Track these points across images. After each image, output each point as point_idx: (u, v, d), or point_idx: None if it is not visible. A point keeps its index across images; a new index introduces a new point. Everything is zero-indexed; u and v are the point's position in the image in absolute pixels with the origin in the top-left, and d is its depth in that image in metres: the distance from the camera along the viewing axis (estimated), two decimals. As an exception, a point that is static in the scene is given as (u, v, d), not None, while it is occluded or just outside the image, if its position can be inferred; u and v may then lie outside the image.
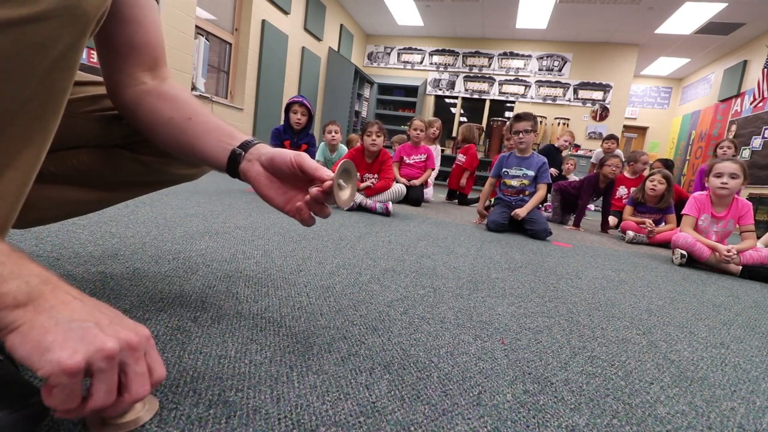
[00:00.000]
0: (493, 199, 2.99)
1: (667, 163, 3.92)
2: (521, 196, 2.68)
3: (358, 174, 2.90)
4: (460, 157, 4.33)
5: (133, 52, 0.59)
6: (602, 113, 7.50)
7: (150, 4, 0.60)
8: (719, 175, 2.19)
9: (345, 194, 0.55)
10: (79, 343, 0.33)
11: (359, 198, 2.67)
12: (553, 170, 4.02)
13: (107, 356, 0.34)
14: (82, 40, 0.38)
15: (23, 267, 0.34)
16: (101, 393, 0.35)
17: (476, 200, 3.74)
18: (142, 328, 0.39)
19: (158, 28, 0.62)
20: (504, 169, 2.73)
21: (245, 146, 0.58)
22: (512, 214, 2.52)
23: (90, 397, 0.35)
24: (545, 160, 2.66)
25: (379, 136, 2.80)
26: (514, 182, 2.69)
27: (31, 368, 0.32)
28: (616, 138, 4.69)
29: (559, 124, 7.61)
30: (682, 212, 2.34)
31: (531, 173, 2.64)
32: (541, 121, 7.57)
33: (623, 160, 3.65)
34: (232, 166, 0.57)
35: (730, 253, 2.04)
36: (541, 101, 7.76)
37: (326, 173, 0.55)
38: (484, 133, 7.37)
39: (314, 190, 0.55)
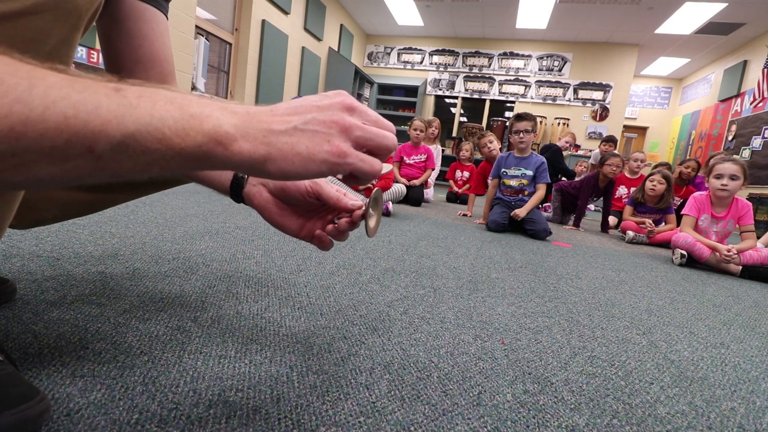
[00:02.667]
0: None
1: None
2: (520, 196, 2.68)
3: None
4: (466, 186, 4.41)
5: (138, 67, 0.58)
6: (602, 113, 7.50)
7: (157, 18, 0.59)
8: (719, 177, 2.18)
9: (372, 223, 0.52)
10: (323, 135, 0.32)
11: (359, 198, 2.66)
12: (564, 180, 3.99)
13: (346, 127, 0.33)
14: (74, 34, 0.38)
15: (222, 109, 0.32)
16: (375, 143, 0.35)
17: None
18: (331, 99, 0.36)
19: (166, 42, 0.60)
20: (503, 170, 2.73)
21: None
22: (512, 214, 2.52)
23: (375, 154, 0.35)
24: (544, 159, 2.66)
25: None
26: (513, 182, 2.69)
27: (307, 177, 0.32)
28: (615, 140, 4.66)
29: (559, 124, 7.61)
30: (682, 212, 2.34)
31: (530, 173, 2.64)
32: (541, 121, 7.57)
33: (624, 159, 3.65)
34: (236, 190, 0.55)
35: (730, 253, 2.04)
36: (541, 101, 7.76)
37: (350, 203, 0.52)
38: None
39: (343, 222, 0.52)
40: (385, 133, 0.35)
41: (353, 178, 0.36)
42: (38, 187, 0.26)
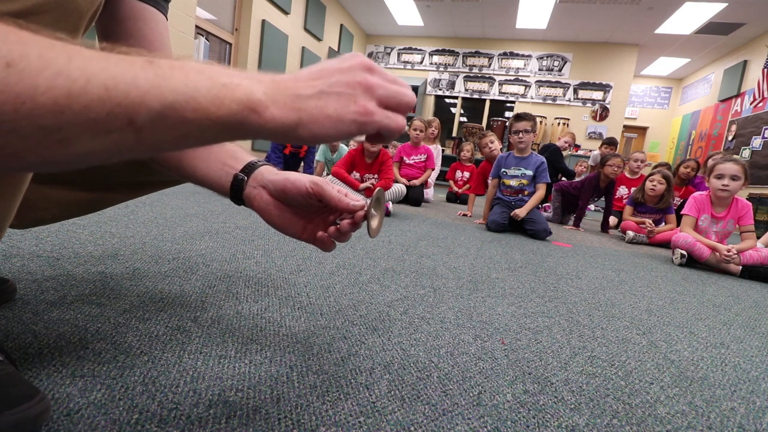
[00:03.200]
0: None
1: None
2: (520, 196, 2.68)
3: (359, 174, 2.90)
4: (466, 186, 4.45)
5: None
6: (602, 113, 7.50)
7: (157, 18, 0.58)
8: (720, 177, 2.18)
9: (375, 223, 0.51)
10: (348, 96, 0.33)
11: (360, 198, 2.67)
12: (564, 180, 4.00)
13: (369, 87, 0.34)
14: (75, 35, 0.38)
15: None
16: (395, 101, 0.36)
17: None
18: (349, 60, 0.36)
19: (166, 43, 0.60)
20: (503, 170, 2.73)
21: (248, 170, 0.55)
22: (512, 214, 2.52)
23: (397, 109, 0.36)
24: (544, 159, 2.66)
25: None
26: (513, 182, 2.69)
27: (337, 139, 0.33)
28: (615, 143, 4.58)
29: (559, 124, 7.61)
30: (682, 212, 2.34)
31: (530, 173, 2.64)
32: (541, 121, 7.56)
33: (624, 159, 3.64)
34: (236, 192, 0.55)
35: (730, 253, 2.04)
36: (541, 101, 7.76)
37: (352, 203, 0.52)
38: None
39: (345, 223, 0.52)
40: (405, 90, 0.36)
41: (378, 137, 0.36)
42: (78, 164, 0.26)
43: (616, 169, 3.25)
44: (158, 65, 0.26)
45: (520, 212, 2.50)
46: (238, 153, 0.57)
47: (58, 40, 0.23)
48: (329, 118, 0.32)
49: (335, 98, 0.32)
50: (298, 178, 0.53)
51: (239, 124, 0.29)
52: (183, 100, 0.26)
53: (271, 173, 0.55)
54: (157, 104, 0.25)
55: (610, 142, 4.59)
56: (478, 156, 4.67)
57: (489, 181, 2.89)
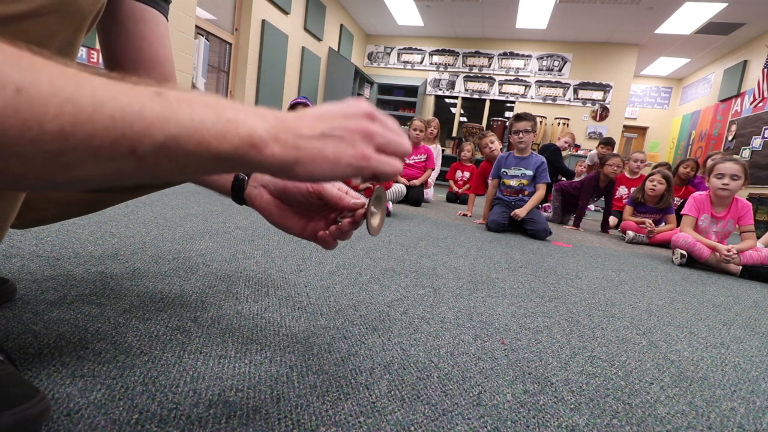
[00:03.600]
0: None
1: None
2: (520, 196, 2.68)
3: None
4: (466, 186, 4.46)
5: (139, 69, 0.58)
6: (602, 113, 7.49)
7: (157, 19, 0.59)
8: (721, 176, 2.18)
9: (376, 221, 0.51)
10: (348, 141, 0.34)
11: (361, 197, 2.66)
12: (563, 180, 4.00)
13: (369, 134, 0.35)
14: (78, 36, 0.39)
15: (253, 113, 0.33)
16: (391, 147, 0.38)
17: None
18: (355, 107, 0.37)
19: (166, 44, 0.61)
20: (503, 170, 2.73)
21: None
22: (512, 214, 2.52)
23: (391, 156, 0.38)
24: (544, 159, 2.66)
25: None
26: (513, 182, 2.69)
27: (332, 180, 0.34)
28: (613, 143, 4.56)
29: (559, 124, 7.61)
30: (682, 212, 2.34)
31: (530, 173, 2.64)
32: (541, 121, 7.56)
33: (624, 159, 3.63)
34: (237, 192, 0.55)
35: (730, 253, 2.04)
36: (541, 101, 7.76)
37: (352, 201, 0.52)
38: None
39: (345, 222, 0.53)
40: (403, 139, 0.39)
41: (374, 178, 0.38)
42: (79, 186, 0.27)
43: (615, 168, 3.25)
44: (166, 97, 0.27)
45: (520, 212, 2.50)
46: None
47: (69, 66, 0.24)
48: (326, 160, 0.33)
49: (335, 141, 0.33)
50: None
51: (239, 159, 0.30)
52: (186, 133, 0.27)
53: None
54: (161, 136, 0.26)
55: (607, 142, 4.58)
56: (478, 156, 4.67)
57: (489, 181, 2.89)
